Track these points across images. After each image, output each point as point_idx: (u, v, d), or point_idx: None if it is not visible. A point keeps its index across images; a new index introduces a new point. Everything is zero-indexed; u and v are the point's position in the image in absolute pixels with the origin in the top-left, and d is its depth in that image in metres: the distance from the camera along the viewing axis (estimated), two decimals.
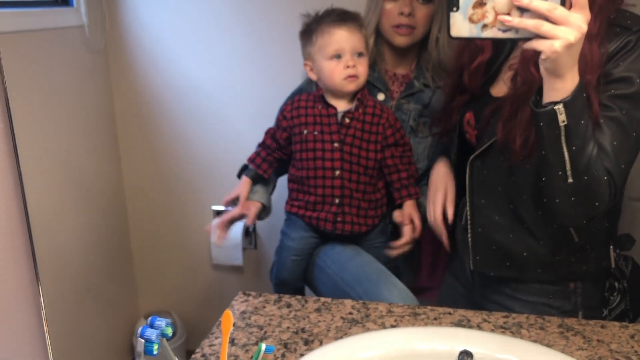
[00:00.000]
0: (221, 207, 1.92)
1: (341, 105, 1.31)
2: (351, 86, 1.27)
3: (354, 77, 1.26)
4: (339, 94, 1.30)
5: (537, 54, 0.81)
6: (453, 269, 1.29)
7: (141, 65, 1.89)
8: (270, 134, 1.38)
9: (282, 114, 1.35)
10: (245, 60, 1.81)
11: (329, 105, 1.30)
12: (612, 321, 0.95)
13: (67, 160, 1.72)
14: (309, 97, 1.34)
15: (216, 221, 1.38)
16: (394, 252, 1.33)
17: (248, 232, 1.92)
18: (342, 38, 1.25)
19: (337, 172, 1.28)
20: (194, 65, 1.85)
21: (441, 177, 1.27)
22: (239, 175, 1.40)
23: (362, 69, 1.27)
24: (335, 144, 1.28)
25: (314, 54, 1.29)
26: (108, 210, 1.94)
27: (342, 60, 1.26)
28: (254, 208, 1.35)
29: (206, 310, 1.92)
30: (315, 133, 1.29)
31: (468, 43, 1.16)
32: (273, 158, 1.37)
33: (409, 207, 1.33)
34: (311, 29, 1.29)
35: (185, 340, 2.00)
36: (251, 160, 1.38)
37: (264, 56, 1.77)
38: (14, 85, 0.74)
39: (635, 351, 0.86)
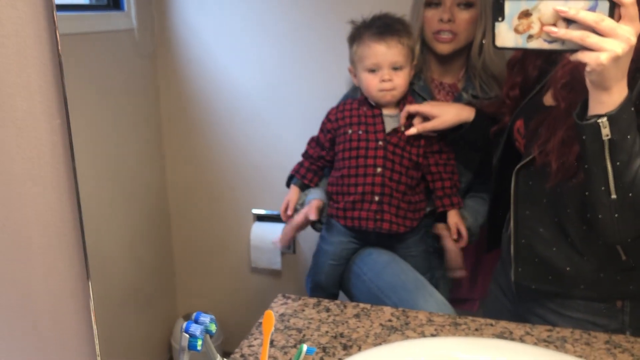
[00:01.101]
0: (262, 211, 1.95)
1: (387, 110, 1.32)
2: (387, 97, 1.30)
3: (389, 90, 1.28)
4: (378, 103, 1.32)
5: (568, 73, 0.79)
6: (498, 280, 1.26)
7: (188, 69, 1.92)
8: (314, 141, 1.40)
9: (327, 117, 1.38)
10: (292, 67, 1.82)
11: (373, 107, 1.31)
12: None
13: (116, 160, 1.76)
14: (354, 101, 1.37)
15: (286, 229, 1.41)
16: (457, 274, 1.37)
17: None
18: (379, 53, 1.27)
19: (379, 170, 1.29)
20: (240, 71, 1.87)
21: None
22: (288, 185, 1.42)
23: (399, 81, 1.28)
24: (380, 142, 1.29)
25: (355, 62, 1.31)
26: (152, 211, 1.97)
27: (378, 73, 1.28)
28: (314, 203, 1.37)
29: (244, 313, 1.93)
30: (360, 132, 1.31)
31: (519, 56, 1.15)
32: (317, 167, 1.39)
33: (454, 216, 1.33)
34: (354, 36, 1.31)
35: (222, 342, 2.02)
36: (296, 171, 1.41)
37: (311, 63, 1.78)
38: (70, 85, 0.77)
39: None
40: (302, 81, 1.82)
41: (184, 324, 0.58)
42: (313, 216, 1.35)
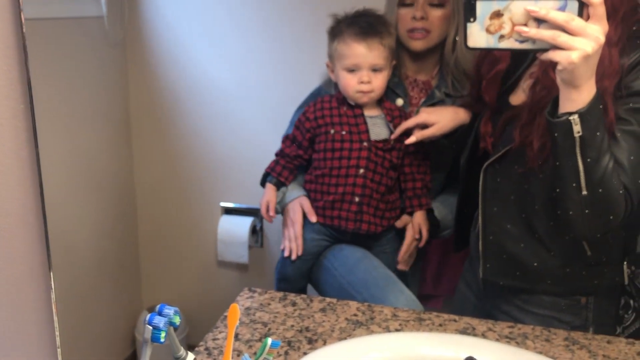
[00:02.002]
0: (230, 204, 1.93)
1: (368, 110, 1.32)
2: (364, 99, 1.29)
3: (368, 92, 1.27)
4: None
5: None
6: (466, 277, 1.28)
7: (158, 60, 1.90)
8: (289, 140, 1.37)
9: (305, 116, 1.34)
10: (262, 59, 1.81)
11: (354, 107, 1.31)
12: (618, 337, 0.94)
13: (82, 150, 1.73)
14: (332, 99, 1.34)
15: (289, 239, 1.37)
16: (400, 266, 1.36)
17: (255, 230, 1.93)
18: (360, 54, 1.25)
19: (362, 171, 1.28)
20: (211, 63, 1.86)
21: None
22: (262, 184, 1.40)
23: (378, 83, 1.27)
24: (365, 144, 1.29)
25: (334, 58, 1.30)
26: (118, 203, 1.94)
27: (357, 74, 1.26)
28: (307, 205, 1.35)
29: (209, 306, 1.92)
30: (343, 133, 1.29)
31: (486, 54, 1.16)
32: (293, 165, 1.37)
33: (419, 217, 1.34)
34: (335, 32, 1.29)
35: (187, 334, 2.01)
36: (271, 169, 1.38)
37: (281, 56, 1.78)
38: (36, 71, 0.75)
39: None
40: (272, 74, 1.81)
41: (147, 316, 0.58)
42: (315, 218, 1.33)
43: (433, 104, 1.40)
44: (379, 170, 1.30)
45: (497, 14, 0.79)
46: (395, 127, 1.31)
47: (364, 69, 1.26)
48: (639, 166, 0.93)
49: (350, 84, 1.27)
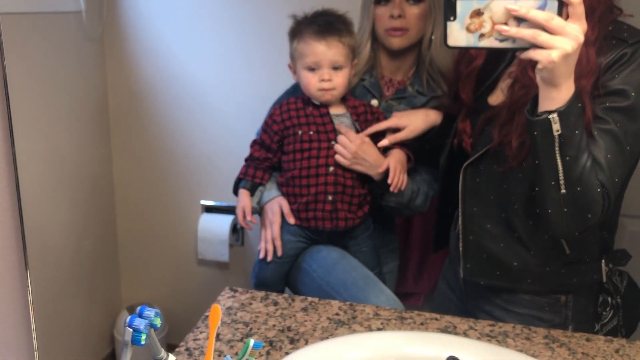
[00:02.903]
0: (210, 202, 1.92)
1: (333, 108, 1.31)
2: (326, 97, 1.28)
3: (329, 89, 1.27)
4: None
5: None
6: (447, 278, 1.29)
7: (137, 55, 1.87)
8: (258, 144, 1.36)
9: (272, 119, 1.33)
10: (242, 56, 1.80)
11: (319, 106, 1.30)
12: (597, 334, 0.96)
13: (59, 148, 1.70)
14: (297, 100, 1.33)
15: (266, 240, 1.35)
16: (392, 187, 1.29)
17: (235, 229, 1.91)
18: (319, 52, 1.25)
19: (331, 169, 1.28)
20: (190, 59, 1.84)
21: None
22: (235, 191, 1.38)
23: (339, 81, 1.27)
24: (333, 142, 1.28)
25: (295, 58, 1.30)
26: (96, 200, 1.92)
27: (317, 72, 1.26)
28: (285, 206, 1.33)
29: (189, 305, 1.90)
30: (311, 133, 1.29)
31: (465, 52, 1.16)
32: (265, 167, 1.36)
33: (393, 156, 1.29)
34: (294, 32, 1.29)
35: (166, 334, 1.99)
36: (243, 174, 1.36)
37: (261, 54, 1.76)
38: (12, 66, 0.74)
39: None
40: (252, 70, 1.80)
41: (128, 318, 0.57)
42: (293, 220, 1.32)
43: (402, 97, 1.40)
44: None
45: (478, 13, 0.79)
46: (360, 124, 1.31)
47: (324, 67, 1.26)
48: (615, 164, 0.94)
49: (312, 82, 1.27)
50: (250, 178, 1.35)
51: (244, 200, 1.34)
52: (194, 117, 1.88)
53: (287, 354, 0.86)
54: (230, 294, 1.04)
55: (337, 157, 1.28)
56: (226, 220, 1.88)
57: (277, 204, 1.33)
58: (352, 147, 1.26)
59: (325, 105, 1.30)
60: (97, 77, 1.87)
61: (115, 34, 1.86)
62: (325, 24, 1.26)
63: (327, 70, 1.26)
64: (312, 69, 1.27)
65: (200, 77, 1.85)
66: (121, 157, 1.97)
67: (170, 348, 0.88)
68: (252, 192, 1.36)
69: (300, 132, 1.29)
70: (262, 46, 1.76)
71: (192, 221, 1.93)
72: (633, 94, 0.94)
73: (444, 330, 0.94)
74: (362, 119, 1.32)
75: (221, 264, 1.98)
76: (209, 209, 1.93)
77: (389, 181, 1.27)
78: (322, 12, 1.29)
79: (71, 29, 1.72)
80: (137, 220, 2.02)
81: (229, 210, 1.88)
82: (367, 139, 1.29)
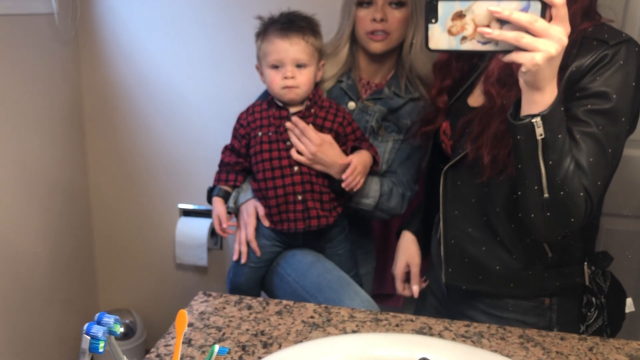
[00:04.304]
0: (189, 206, 1.90)
1: (294, 108, 1.30)
2: (290, 95, 1.27)
3: (292, 87, 1.26)
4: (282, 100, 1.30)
5: (501, 69, 0.79)
6: (429, 284, 1.27)
7: (112, 58, 1.85)
8: (229, 150, 1.35)
9: (239, 123, 1.33)
10: (218, 59, 1.79)
11: (281, 108, 1.29)
12: (571, 333, 0.95)
13: (32, 153, 1.68)
14: (262, 103, 1.34)
15: (240, 242, 1.33)
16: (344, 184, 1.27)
17: (214, 232, 1.90)
18: (282, 49, 1.25)
19: (296, 168, 1.27)
20: (168, 62, 1.82)
21: (403, 250, 1.30)
22: (209, 200, 1.36)
23: (302, 79, 1.27)
24: (289, 142, 1.27)
25: (260, 58, 1.30)
26: (71, 205, 1.89)
27: (281, 70, 1.26)
28: (261, 210, 1.31)
29: (168, 310, 1.88)
30: (270, 134, 1.28)
31: (445, 60, 1.15)
32: (237, 170, 1.34)
33: (357, 156, 1.28)
34: (259, 33, 1.29)
35: (145, 339, 1.97)
36: (217, 180, 1.35)
37: (238, 57, 1.75)
38: None
39: None
40: (229, 73, 1.78)
41: (85, 326, 0.55)
42: (268, 223, 1.30)
43: (379, 99, 1.39)
44: None
45: (460, 15, 0.77)
46: (324, 122, 1.30)
47: (287, 65, 1.26)
48: (598, 168, 0.93)
49: (275, 80, 1.27)
50: (223, 183, 1.34)
51: (218, 207, 1.32)
52: (171, 120, 1.86)
53: (259, 358, 0.85)
54: (203, 298, 1.03)
55: (296, 155, 1.26)
56: (204, 224, 1.87)
57: (252, 206, 1.32)
58: (311, 147, 1.25)
59: (287, 107, 1.29)
60: (72, 80, 1.85)
61: (90, 36, 1.84)
62: (287, 22, 1.26)
63: (291, 67, 1.25)
64: (275, 67, 1.26)
65: (178, 80, 1.83)
66: (97, 161, 1.94)
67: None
68: (226, 199, 1.34)
69: (260, 134, 1.29)
70: (239, 49, 1.75)
71: (169, 225, 1.91)
72: (614, 96, 0.92)
73: (419, 331, 0.93)
74: (323, 111, 1.31)
75: (200, 269, 1.96)
76: (186, 213, 1.91)
77: (343, 177, 1.25)
78: (288, 13, 1.30)
79: (43, 31, 1.70)
80: (114, 225, 1.99)
81: (207, 213, 1.87)
82: (328, 139, 1.28)
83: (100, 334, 0.54)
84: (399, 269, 1.30)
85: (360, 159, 1.27)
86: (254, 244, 1.31)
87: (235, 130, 1.34)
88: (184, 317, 0.66)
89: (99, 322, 0.56)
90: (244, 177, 1.35)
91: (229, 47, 1.77)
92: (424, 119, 1.23)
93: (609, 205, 1.42)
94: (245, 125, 1.32)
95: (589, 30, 0.96)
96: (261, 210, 1.31)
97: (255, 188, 1.31)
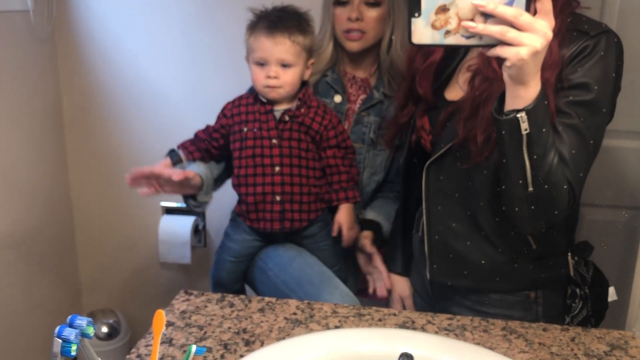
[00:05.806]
0: (172, 204, 1.88)
1: (282, 105, 1.28)
2: (272, 94, 1.25)
3: (275, 87, 1.24)
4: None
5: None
6: (414, 283, 1.27)
7: (90, 55, 1.83)
8: (203, 129, 1.33)
9: (223, 112, 1.31)
10: (198, 56, 1.77)
11: (265, 103, 1.28)
12: (553, 324, 0.95)
13: (9, 152, 1.65)
14: (249, 96, 1.31)
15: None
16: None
17: (197, 230, 1.88)
18: (266, 48, 1.22)
19: (277, 169, 1.25)
20: (147, 59, 1.80)
21: (393, 289, 1.31)
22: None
23: (287, 79, 1.24)
24: (274, 141, 1.25)
25: (248, 52, 1.27)
26: (52, 205, 1.87)
27: (265, 68, 1.23)
28: (189, 172, 1.22)
29: (152, 309, 1.85)
30: (255, 130, 1.26)
31: (419, 48, 1.14)
32: (201, 147, 1.31)
33: (340, 213, 1.30)
34: (250, 26, 1.26)
35: (129, 339, 1.95)
36: (180, 144, 1.31)
37: (219, 53, 1.73)
38: None
39: (575, 354, 0.87)
40: (210, 70, 1.77)
41: (57, 329, 0.54)
42: (175, 176, 1.17)
43: (372, 106, 1.38)
44: (295, 162, 1.26)
45: (443, 9, 0.75)
46: (313, 121, 1.29)
47: (271, 64, 1.23)
48: (580, 160, 0.93)
49: (259, 78, 1.24)
50: (181, 147, 1.30)
51: (160, 163, 1.25)
52: (151, 118, 1.84)
53: (241, 356, 0.84)
54: (184, 297, 1.02)
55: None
56: (187, 222, 1.85)
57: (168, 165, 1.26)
58: None
59: (272, 102, 1.28)
60: (49, 79, 1.82)
61: (67, 34, 1.81)
62: (275, 20, 1.23)
63: (275, 67, 1.23)
64: (260, 64, 1.24)
65: (157, 77, 1.81)
66: (77, 159, 1.92)
67: None
68: (174, 165, 1.28)
69: (245, 129, 1.27)
70: (220, 45, 1.73)
71: (152, 223, 1.89)
72: (595, 87, 0.92)
73: (402, 325, 0.93)
74: (312, 112, 1.29)
75: (183, 267, 1.94)
76: (169, 211, 1.89)
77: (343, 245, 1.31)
78: (280, 7, 1.26)
79: (19, 29, 1.67)
80: (96, 225, 1.97)
81: (190, 211, 1.85)
82: None
83: (72, 337, 0.53)
84: (395, 305, 1.30)
85: (344, 216, 1.31)
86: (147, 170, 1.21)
87: (218, 117, 1.31)
88: (161, 317, 0.65)
89: (71, 325, 0.55)
90: (201, 157, 1.31)
91: (209, 44, 1.75)
92: (395, 120, 1.23)
93: (590, 196, 1.42)
94: (228, 117, 1.29)
95: (568, 21, 0.96)
96: (189, 172, 1.22)
97: (235, 183, 1.29)
